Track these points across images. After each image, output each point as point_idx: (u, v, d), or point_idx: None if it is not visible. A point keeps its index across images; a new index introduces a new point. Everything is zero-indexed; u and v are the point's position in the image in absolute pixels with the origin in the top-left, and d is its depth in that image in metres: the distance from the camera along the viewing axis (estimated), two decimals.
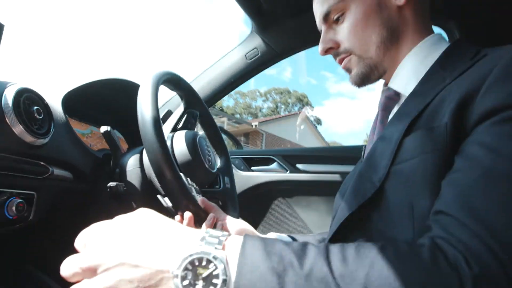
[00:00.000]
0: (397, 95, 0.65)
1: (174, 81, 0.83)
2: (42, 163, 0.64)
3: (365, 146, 0.71)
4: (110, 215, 0.77)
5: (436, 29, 1.16)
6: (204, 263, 0.32)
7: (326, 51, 0.70)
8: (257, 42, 1.30)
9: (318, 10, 0.69)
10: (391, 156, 0.50)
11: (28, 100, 0.61)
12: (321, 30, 0.71)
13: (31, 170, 0.62)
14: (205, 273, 0.32)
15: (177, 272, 0.32)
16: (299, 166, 1.46)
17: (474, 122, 0.43)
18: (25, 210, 0.62)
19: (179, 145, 0.79)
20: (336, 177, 1.38)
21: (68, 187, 0.72)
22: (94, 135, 0.98)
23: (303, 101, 37.87)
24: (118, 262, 0.34)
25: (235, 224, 0.76)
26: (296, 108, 36.68)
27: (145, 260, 0.33)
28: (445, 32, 1.18)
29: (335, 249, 0.35)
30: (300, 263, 0.33)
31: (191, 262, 0.32)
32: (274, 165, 1.50)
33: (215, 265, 0.32)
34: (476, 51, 0.54)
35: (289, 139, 19.28)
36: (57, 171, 0.67)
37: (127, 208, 0.76)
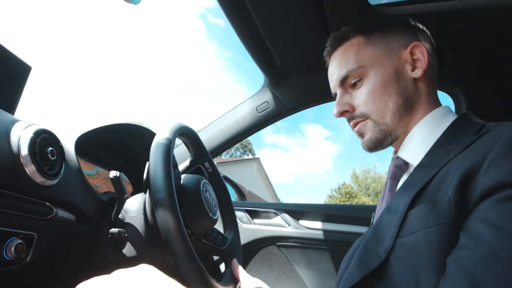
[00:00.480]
0: (405, 164, 0.66)
1: (188, 135, 0.84)
2: (47, 203, 0.63)
3: (374, 213, 0.70)
4: (109, 262, 0.74)
5: (443, 95, 1.20)
6: None
7: (342, 114, 0.71)
8: (268, 96, 1.34)
9: (336, 74, 0.72)
10: (396, 228, 0.50)
11: (44, 141, 0.62)
12: (335, 94, 0.74)
13: (35, 211, 0.61)
14: None
15: None
16: (302, 222, 1.43)
17: (477, 199, 0.43)
18: (24, 251, 0.60)
19: (183, 189, 0.78)
20: (340, 237, 1.34)
21: (70, 229, 0.70)
22: (100, 176, 0.97)
23: (246, 147, 36.27)
24: None
25: (252, 283, 0.74)
26: (238, 154, 34.48)
27: None
28: (451, 98, 1.21)
29: None
30: None
31: None
32: (277, 219, 1.47)
33: None
34: (481, 126, 0.56)
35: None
36: (61, 213, 0.66)
37: (127, 255, 0.74)
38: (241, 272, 0.79)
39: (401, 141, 0.68)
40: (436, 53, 0.72)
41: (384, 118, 0.66)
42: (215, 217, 0.84)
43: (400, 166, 0.67)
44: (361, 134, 0.71)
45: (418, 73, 0.66)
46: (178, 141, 1.32)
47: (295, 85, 1.29)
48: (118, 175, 0.69)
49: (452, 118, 0.63)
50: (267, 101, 1.34)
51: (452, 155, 0.52)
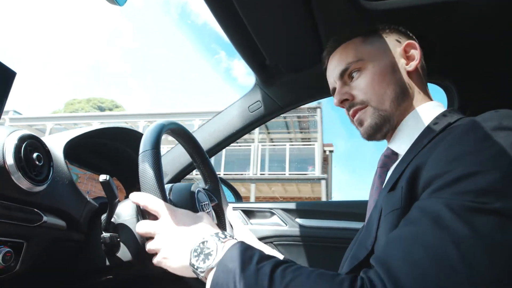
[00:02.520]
0: (394, 154, 0.71)
1: (176, 132, 0.83)
2: (36, 210, 0.62)
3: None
4: (103, 267, 0.73)
5: (435, 87, 1.20)
6: (208, 246, 0.54)
7: (342, 102, 0.76)
8: (260, 95, 1.34)
9: (336, 68, 0.77)
10: (378, 220, 0.56)
11: (30, 146, 0.61)
12: (333, 89, 0.79)
13: (23, 218, 0.60)
14: (207, 251, 0.53)
15: (193, 247, 0.55)
16: (299, 220, 1.43)
17: (421, 190, 0.48)
18: (12, 260, 0.59)
19: (177, 199, 0.77)
20: (338, 233, 1.33)
21: (61, 236, 0.69)
22: (93, 179, 0.96)
23: None
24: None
25: (242, 231, 0.90)
26: None
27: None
28: (444, 90, 1.21)
29: (279, 268, 0.46)
30: (249, 267, 0.47)
31: (203, 242, 0.55)
32: (273, 218, 1.46)
33: (213, 249, 0.53)
34: (448, 123, 0.59)
35: None
36: (51, 219, 0.65)
37: (121, 259, 0.73)
38: (234, 218, 0.94)
39: (393, 133, 0.72)
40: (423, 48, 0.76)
41: (384, 105, 0.70)
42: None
43: (389, 155, 0.71)
44: (360, 123, 0.74)
45: (411, 67, 0.72)
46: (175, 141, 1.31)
47: (286, 83, 1.29)
48: (107, 178, 0.68)
49: (437, 112, 0.66)
50: (259, 100, 1.33)
51: (419, 150, 0.57)
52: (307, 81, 1.27)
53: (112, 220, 0.75)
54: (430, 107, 0.69)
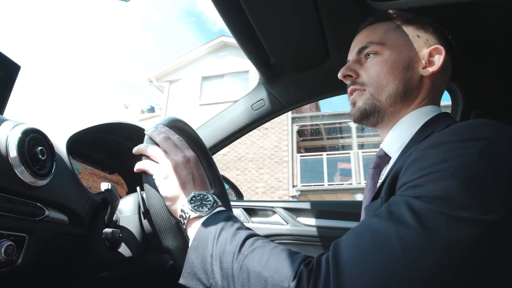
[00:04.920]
0: (387, 155, 0.71)
1: (180, 128, 0.83)
2: (38, 204, 0.62)
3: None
4: (104, 263, 0.73)
5: None
6: (206, 199, 0.60)
7: (345, 77, 0.76)
8: (264, 93, 1.33)
9: (358, 43, 0.76)
10: None
11: (33, 141, 0.61)
12: (348, 61, 0.79)
13: (26, 212, 0.60)
14: (204, 202, 0.59)
15: (194, 193, 0.60)
16: (300, 219, 1.43)
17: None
18: (14, 253, 0.59)
19: None
20: (339, 233, 1.32)
21: (62, 230, 0.69)
22: (94, 175, 0.97)
23: None
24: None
25: None
26: None
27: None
28: (448, 93, 1.20)
29: (252, 237, 0.53)
30: (229, 228, 0.54)
31: (203, 194, 0.61)
32: (275, 217, 1.46)
33: (209, 204, 0.59)
34: (431, 132, 0.60)
35: None
36: (53, 214, 0.65)
37: (122, 255, 0.73)
38: None
39: (387, 131, 0.72)
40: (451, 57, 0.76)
41: (380, 95, 0.71)
42: None
43: (381, 156, 0.71)
44: (353, 103, 0.75)
45: (426, 72, 0.70)
46: None
47: (290, 82, 1.28)
48: (109, 187, 0.68)
49: (429, 117, 0.66)
50: (262, 99, 1.33)
51: (406, 155, 0.57)
52: (311, 80, 1.27)
53: (114, 216, 0.75)
54: (425, 112, 0.68)
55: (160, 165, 0.63)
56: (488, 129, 0.46)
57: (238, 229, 0.54)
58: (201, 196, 0.60)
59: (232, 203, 1.46)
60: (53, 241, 0.67)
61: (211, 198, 0.60)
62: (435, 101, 0.72)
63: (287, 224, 1.42)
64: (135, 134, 0.97)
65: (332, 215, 1.39)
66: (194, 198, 0.59)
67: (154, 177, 0.63)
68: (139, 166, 0.65)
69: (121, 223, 0.75)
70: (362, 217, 0.69)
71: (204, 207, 0.58)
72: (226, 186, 1.12)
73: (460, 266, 0.37)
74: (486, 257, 0.37)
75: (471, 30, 0.96)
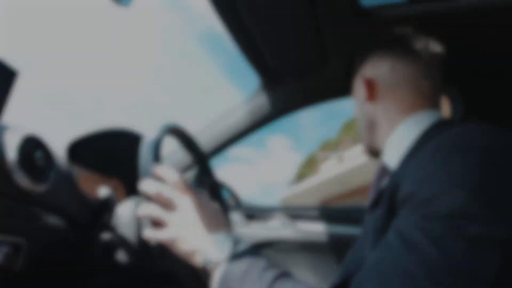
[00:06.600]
0: (387, 166, 0.70)
1: (178, 134, 0.83)
2: (36, 209, 0.62)
3: None
4: (101, 269, 0.73)
5: None
6: (225, 240, 0.56)
7: None
8: (263, 97, 1.33)
9: None
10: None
11: (32, 146, 0.61)
12: None
13: (24, 217, 0.60)
14: (223, 245, 0.56)
15: (213, 237, 0.57)
16: (300, 224, 1.42)
17: (398, 206, 0.48)
18: (12, 259, 0.59)
19: None
20: (340, 238, 1.33)
21: (60, 236, 0.69)
22: (92, 180, 0.97)
23: None
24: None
25: None
26: None
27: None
28: (449, 97, 1.20)
29: (280, 278, 0.50)
30: (255, 270, 0.52)
31: (223, 236, 0.57)
32: (274, 222, 1.46)
33: (228, 245, 0.56)
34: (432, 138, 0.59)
35: None
36: (51, 219, 0.65)
37: (120, 262, 0.73)
38: None
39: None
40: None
41: (361, 134, 0.81)
42: None
43: (382, 168, 0.70)
44: None
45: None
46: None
47: (290, 86, 1.28)
48: (108, 192, 0.68)
49: (424, 126, 0.65)
50: (262, 103, 1.33)
51: (401, 167, 0.57)
52: (310, 86, 1.27)
53: (112, 221, 0.75)
54: (413, 122, 0.68)
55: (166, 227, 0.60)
56: (483, 136, 0.45)
57: (264, 269, 0.52)
58: (219, 238, 0.57)
59: (231, 210, 1.46)
60: (51, 246, 0.67)
61: (229, 237, 0.57)
62: (410, 108, 0.71)
63: (287, 229, 1.41)
64: (133, 139, 0.97)
65: (333, 220, 1.39)
66: (214, 243, 0.56)
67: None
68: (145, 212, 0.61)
69: (119, 228, 0.75)
70: (366, 222, 0.68)
71: (223, 252, 0.55)
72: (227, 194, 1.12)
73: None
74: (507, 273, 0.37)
75: (469, 35, 0.96)
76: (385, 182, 0.67)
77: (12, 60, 0.62)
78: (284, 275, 0.51)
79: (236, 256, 0.54)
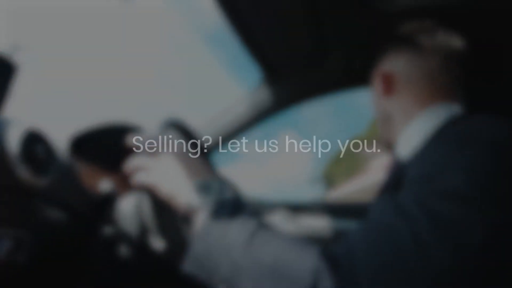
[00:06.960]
0: (399, 157, 0.72)
1: (181, 129, 0.83)
2: (38, 203, 0.62)
3: None
4: (102, 263, 0.74)
5: None
6: (215, 186, 0.56)
7: None
8: (266, 92, 1.33)
9: None
10: None
11: (33, 139, 0.61)
12: None
13: (26, 211, 0.60)
14: (212, 190, 0.56)
15: (201, 181, 0.57)
16: (302, 219, 1.42)
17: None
18: (14, 253, 0.59)
19: None
20: (342, 233, 1.33)
21: (62, 229, 0.69)
22: (95, 173, 0.97)
23: None
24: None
25: None
26: None
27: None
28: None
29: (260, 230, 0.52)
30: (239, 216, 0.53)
31: (212, 180, 0.57)
32: (274, 217, 1.46)
33: (217, 191, 0.56)
34: (446, 132, 0.60)
35: None
36: (53, 213, 0.65)
37: (121, 256, 0.74)
38: None
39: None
40: None
41: (378, 127, 0.82)
42: None
43: (394, 160, 0.73)
44: None
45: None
46: None
47: (291, 80, 1.28)
48: (110, 186, 0.69)
49: (440, 120, 0.65)
50: (264, 96, 1.33)
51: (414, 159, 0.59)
52: (312, 79, 1.27)
53: (114, 215, 0.75)
54: (428, 118, 0.68)
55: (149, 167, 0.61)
56: (494, 129, 0.48)
57: (246, 218, 0.53)
58: (208, 182, 0.57)
59: None
60: (53, 240, 0.67)
61: (217, 182, 0.58)
62: (426, 102, 0.71)
63: (288, 224, 1.41)
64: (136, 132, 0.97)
65: (335, 215, 1.39)
66: (201, 186, 0.57)
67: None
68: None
69: (121, 223, 0.75)
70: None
71: (211, 195, 0.56)
72: None
73: (472, 265, 0.39)
74: (497, 257, 0.39)
75: (474, 32, 0.95)
76: (396, 174, 0.68)
77: (16, 54, 0.62)
78: (267, 226, 0.54)
79: (219, 203, 0.55)
